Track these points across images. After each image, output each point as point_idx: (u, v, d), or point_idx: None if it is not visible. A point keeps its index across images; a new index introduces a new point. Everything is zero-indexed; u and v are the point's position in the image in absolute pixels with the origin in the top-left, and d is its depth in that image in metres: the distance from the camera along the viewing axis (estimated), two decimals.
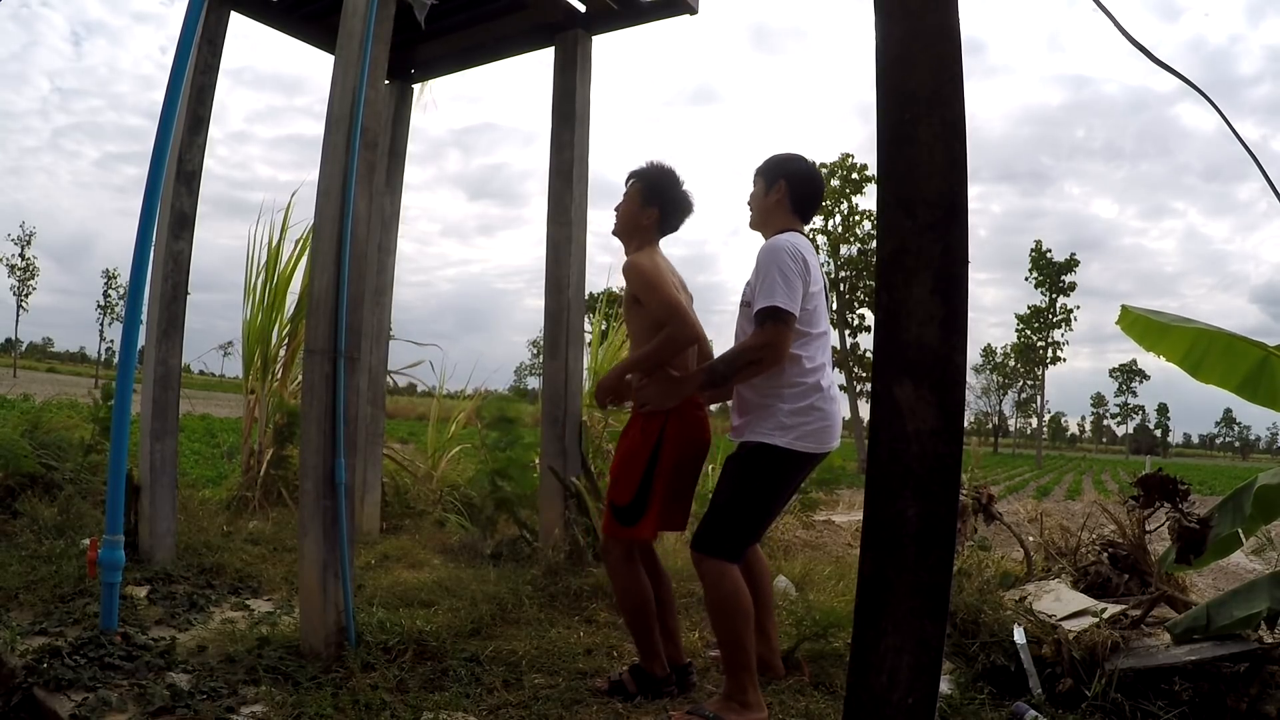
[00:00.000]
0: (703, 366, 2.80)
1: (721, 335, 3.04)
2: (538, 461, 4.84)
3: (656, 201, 2.96)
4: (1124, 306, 3.34)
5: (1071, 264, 40.45)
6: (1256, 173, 1.96)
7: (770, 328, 2.57)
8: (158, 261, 4.22)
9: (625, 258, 2.95)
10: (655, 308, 2.75)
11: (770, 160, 2.96)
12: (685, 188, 3.03)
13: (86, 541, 3.90)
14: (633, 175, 3.04)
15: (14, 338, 70.15)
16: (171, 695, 2.56)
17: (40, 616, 3.28)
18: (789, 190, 2.87)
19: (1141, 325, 3.27)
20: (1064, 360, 41.64)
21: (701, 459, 2.96)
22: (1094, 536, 4.00)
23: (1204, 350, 3.13)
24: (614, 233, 3.06)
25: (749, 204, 2.99)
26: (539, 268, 4.68)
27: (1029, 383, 60.51)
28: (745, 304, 2.76)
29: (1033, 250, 40.73)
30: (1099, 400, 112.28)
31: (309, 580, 3.00)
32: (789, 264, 2.61)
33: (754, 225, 2.98)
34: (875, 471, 1.44)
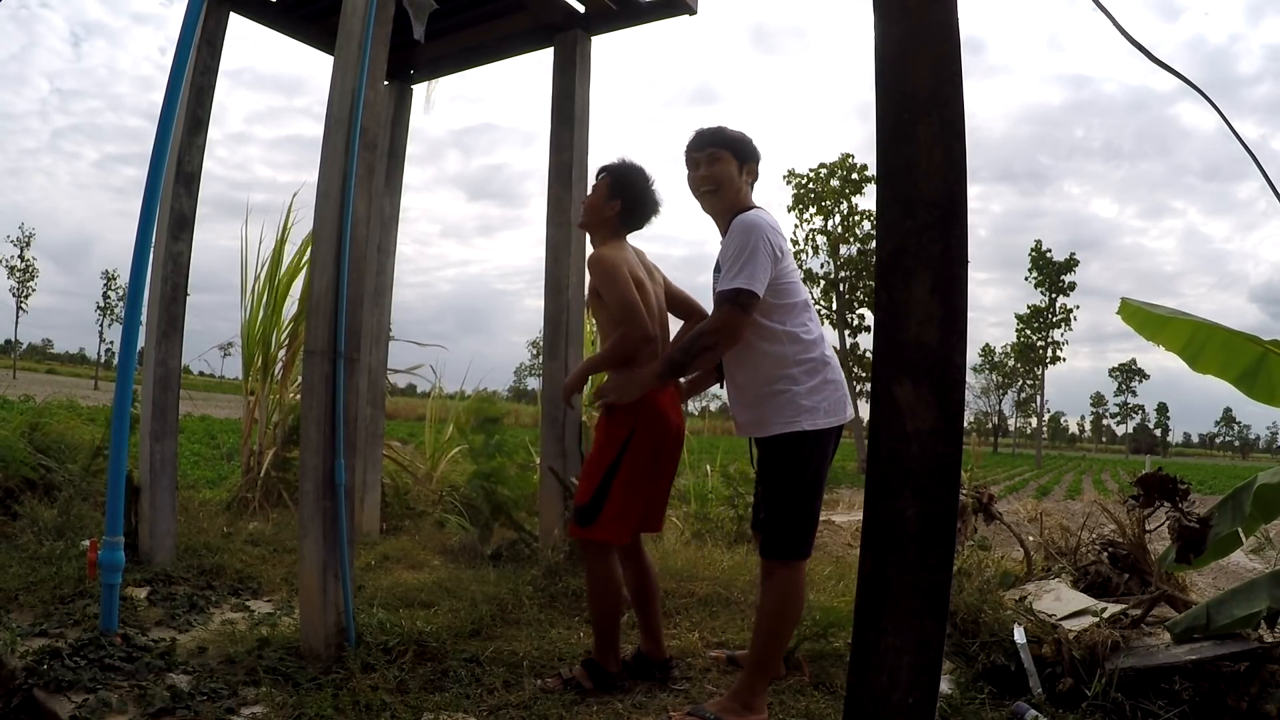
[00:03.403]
0: (660, 358, 2.76)
1: None
2: (538, 463, 4.84)
3: (620, 194, 2.95)
4: (1124, 299, 3.34)
5: (1071, 263, 40.37)
6: (1256, 172, 1.96)
7: (728, 310, 2.53)
8: (157, 263, 4.22)
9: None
10: (612, 304, 2.76)
11: (728, 136, 2.80)
12: (653, 187, 3.01)
13: (86, 543, 3.89)
14: (603, 169, 3.03)
15: (14, 339, 70.10)
16: (172, 696, 2.56)
17: (40, 618, 3.28)
18: (756, 171, 2.86)
19: (1141, 316, 3.27)
20: (1064, 360, 41.62)
21: (677, 450, 2.93)
22: (1094, 536, 4.00)
23: (1203, 342, 3.13)
24: (580, 225, 3.15)
25: (719, 182, 2.77)
26: (539, 268, 4.68)
27: (1028, 382, 60.41)
28: (717, 270, 2.69)
29: (1032, 250, 40.65)
30: (1099, 400, 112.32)
31: (309, 581, 3.00)
32: (765, 245, 2.57)
33: (718, 205, 2.80)
34: (875, 471, 1.44)
